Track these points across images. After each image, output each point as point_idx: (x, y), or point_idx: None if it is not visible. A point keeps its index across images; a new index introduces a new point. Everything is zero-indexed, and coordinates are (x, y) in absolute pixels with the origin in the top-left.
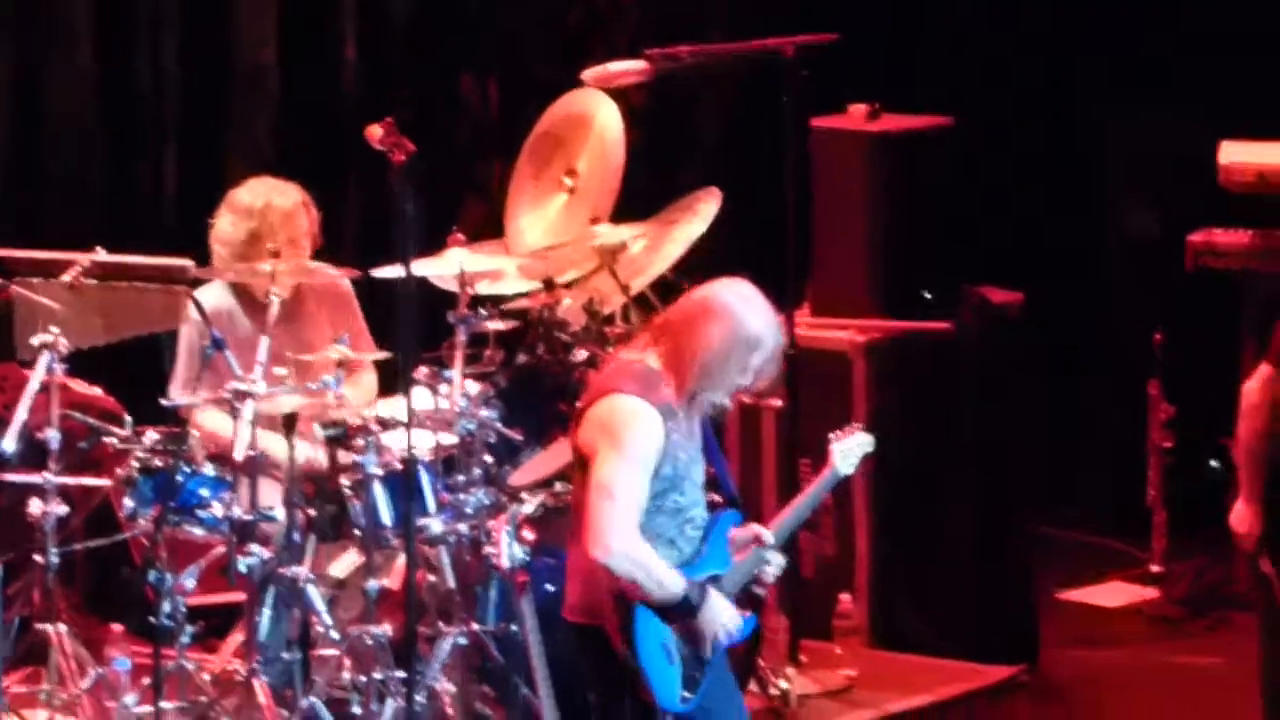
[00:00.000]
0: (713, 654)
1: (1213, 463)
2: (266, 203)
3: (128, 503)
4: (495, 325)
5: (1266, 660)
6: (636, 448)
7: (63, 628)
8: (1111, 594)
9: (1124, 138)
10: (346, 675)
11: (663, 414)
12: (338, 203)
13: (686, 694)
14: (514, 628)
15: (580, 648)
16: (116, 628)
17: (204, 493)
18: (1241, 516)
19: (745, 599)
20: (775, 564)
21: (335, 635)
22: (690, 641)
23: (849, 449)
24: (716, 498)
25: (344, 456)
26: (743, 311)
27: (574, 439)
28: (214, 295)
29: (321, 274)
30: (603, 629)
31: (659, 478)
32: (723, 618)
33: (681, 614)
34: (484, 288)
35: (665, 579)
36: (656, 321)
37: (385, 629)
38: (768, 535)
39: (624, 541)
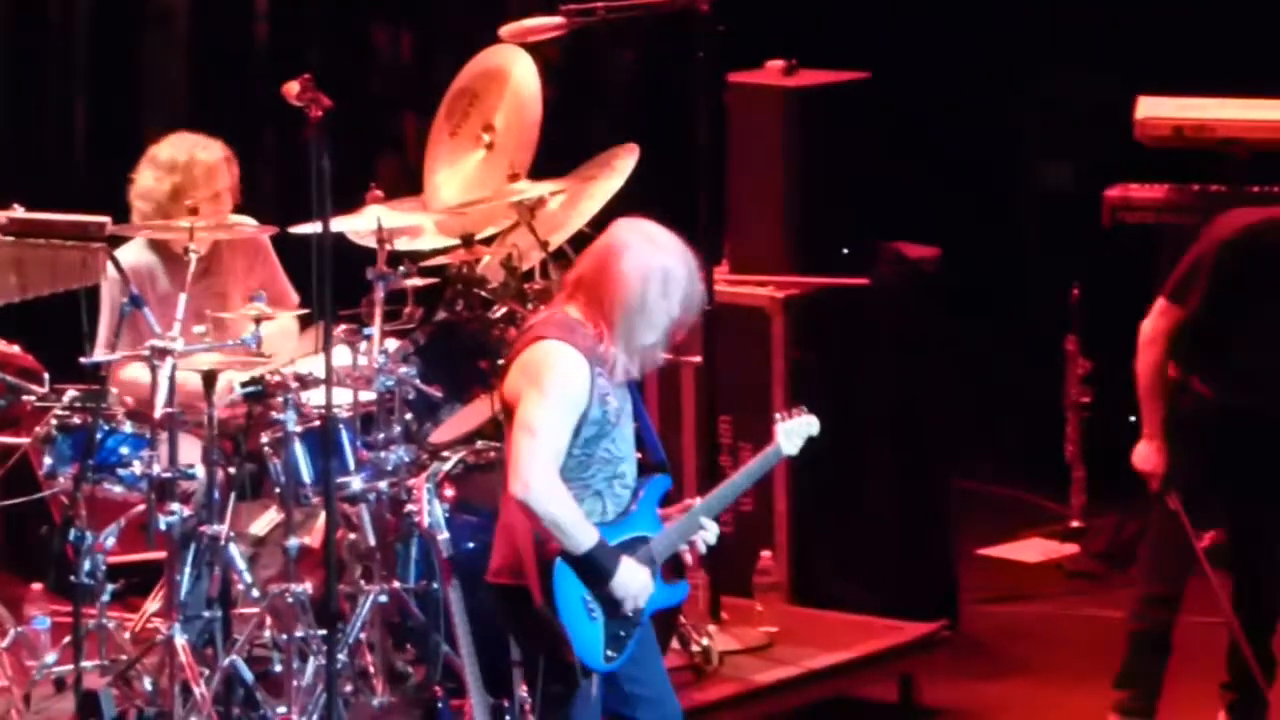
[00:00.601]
0: (639, 615)
1: (1131, 418)
2: (190, 157)
3: (46, 461)
4: (414, 282)
5: (1148, 597)
6: (559, 388)
7: None
8: (1031, 550)
9: (1040, 92)
10: (267, 633)
11: (589, 358)
12: (253, 157)
13: (611, 653)
14: (435, 585)
15: (504, 610)
16: (36, 586)
17: (123, 450)
18: (1145, 455)
19: (675, 565)
20: (710, 532)
21: (256, 593)
22: (610, 606)
23: (794, 429)
24: (639, 455)
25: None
26: (649, 245)
27: (500, 392)
28: (133, 252)
29: (240, 229)
30: (525, 587)
31: (588, 421)
32: (634, 585)
33: (593, 574)
34: (402, 244)
35: (579, 528)
36: (568, 277)
37: (306, 587)
38: (697, 502)
39: (543, 479)
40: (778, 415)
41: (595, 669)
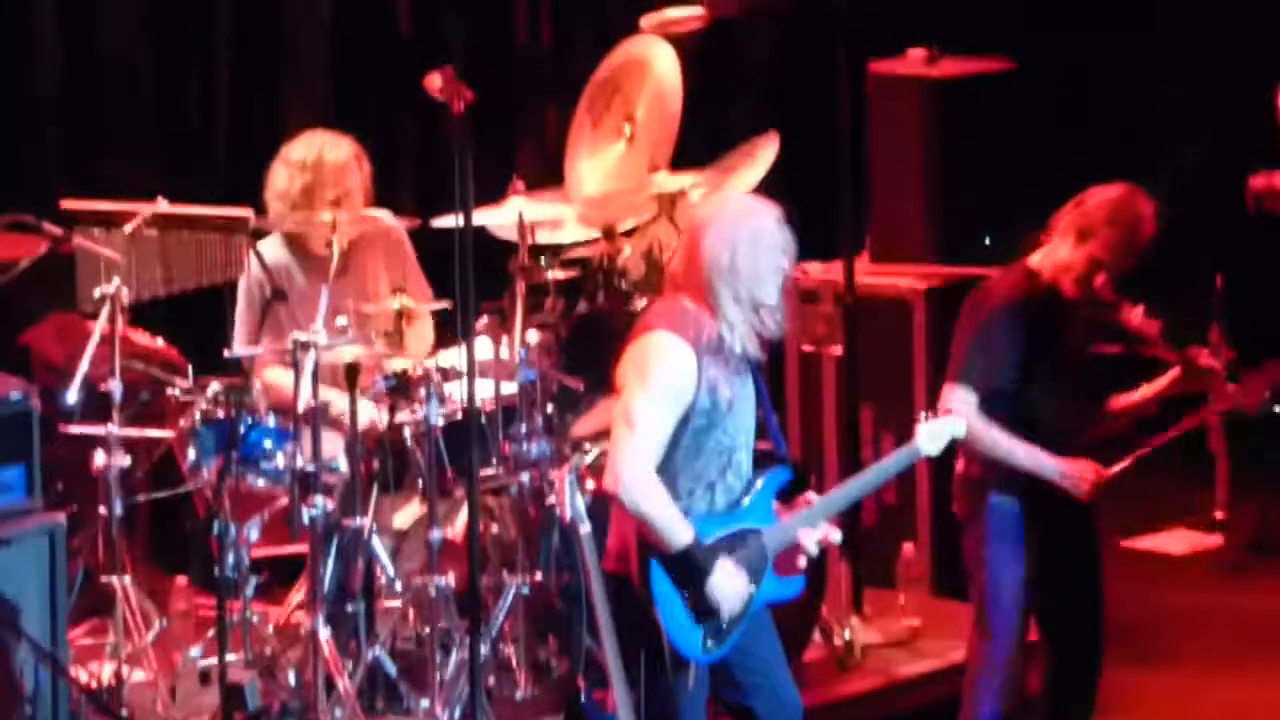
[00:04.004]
0: (739, 613)
1: (1276, 408)
2: (319, 156)
3: (191, 454)
4: (556, 274)
5: None
6: (661, 381)
7: (127, 580)
8: (1176, 541)
9: (1182, 79)
10: (410, 626)
11: (697, 348)
12: (394, 150)
13: (711, 643)
14: (576, 578)
15: (611, 597)
16: (180, 579)
17: (267, 444)
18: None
19: (792, 560)
20: (820, 534)
21: (399, 586)
22: (702, 610)
23: (938, 431)
24: (764, 446)
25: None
26: (724, 215)
27: (614, 381)
28: (268, 250)
29: (380, 222)
30: (629, 575)
31: (697, 411)
32: (728, 590)
33: (685, 574)
34: (544, 236)
35: (672, 526)
36: (669, 273)
37: (448, 579)
38: (815, 499)
39: (635, 473)
40: (922, 414)
41: (693, 659)
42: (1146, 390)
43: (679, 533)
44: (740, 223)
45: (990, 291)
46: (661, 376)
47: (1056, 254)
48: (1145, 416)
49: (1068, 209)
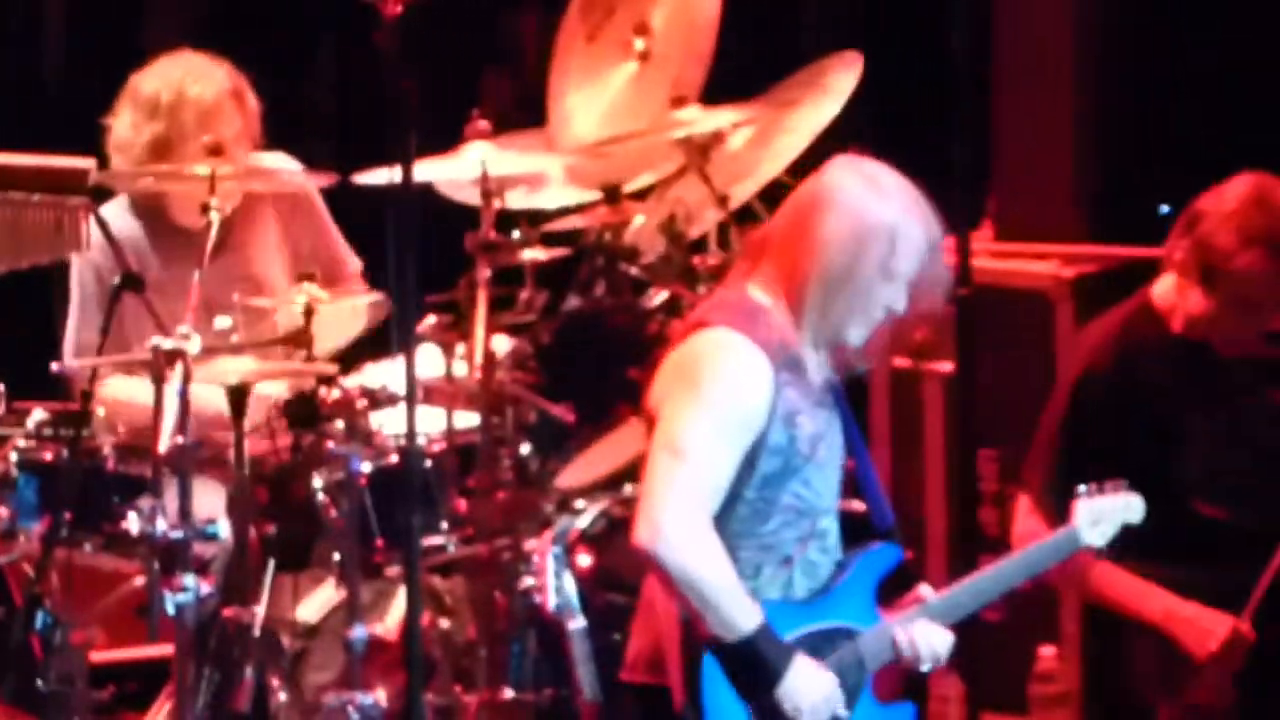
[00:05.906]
0: None
1: None
2: (179, 94)
3: (1, 512)
4: (534, 254)
5: None
6: (724, 394)
7: None
8: None
9: None
10: None
11: (772, 357)
12: (302, 81)
13: None
14: (563, 694)
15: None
16: None
17: (113, 499)
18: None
19: (900, 677)
20: (937, 643)
21: (303, 705)
22: None
23: (1104, 512)
24: (857, 505)
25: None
26: (865, 194)
27: (646, 401)
28: (115, 217)
29: (278, 178)
30: (665, 688)
31: (769, 449)
32: (809, 697)
33: (749, 673)
34: (517, 199)
35: (731, 599)
36: (753, 237)
37: (377, 698)
38: (931, 595)
39: (681, 520)
40: (1082, 488)
41: None
42: None
43: (741, 611)
44: (883, 215)
45: (1081, 342)
46: (724, 388)
47: (1184, 296)
48: None
49: (1177, 229)
